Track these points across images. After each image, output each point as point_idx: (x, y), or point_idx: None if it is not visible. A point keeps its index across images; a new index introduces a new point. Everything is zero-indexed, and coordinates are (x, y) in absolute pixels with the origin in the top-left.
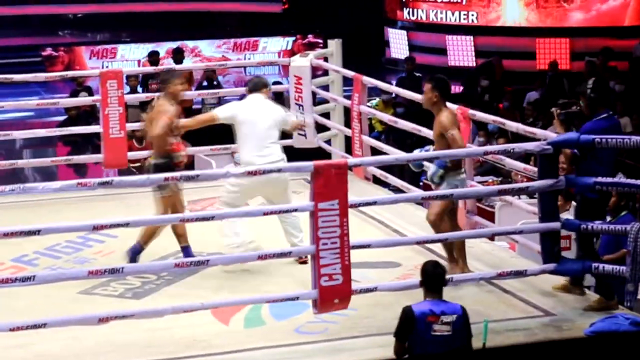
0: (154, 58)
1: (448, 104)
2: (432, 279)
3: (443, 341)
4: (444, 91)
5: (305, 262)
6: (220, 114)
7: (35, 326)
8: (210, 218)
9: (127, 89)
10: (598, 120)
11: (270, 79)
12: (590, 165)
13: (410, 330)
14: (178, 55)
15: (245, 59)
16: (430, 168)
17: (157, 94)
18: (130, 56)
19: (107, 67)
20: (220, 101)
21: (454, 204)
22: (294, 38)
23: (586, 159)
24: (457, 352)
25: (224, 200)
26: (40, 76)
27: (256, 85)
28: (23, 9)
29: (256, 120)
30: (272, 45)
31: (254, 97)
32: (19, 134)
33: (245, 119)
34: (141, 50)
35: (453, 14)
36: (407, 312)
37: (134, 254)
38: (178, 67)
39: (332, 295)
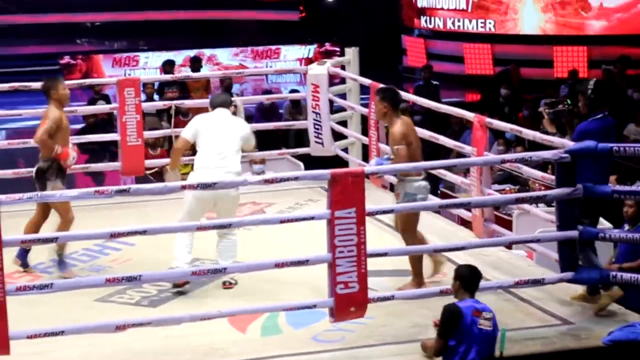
0: (169, 67)
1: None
2: (471, 280)
3: (486, 336)
4: (393, 101)
5: (229, 288)
6: (187, 134)
7: (53, 334)
8: (228, 226)
9: (143, 96)
10: (593, 120)
11: (290, 86)
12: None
13: (456, 326)
14: (195, 63)
15: (266, 66)
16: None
17: (174, 102)
18: (152, 64)
19: (128, 75)
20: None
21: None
22: (314, 46)
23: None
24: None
25: (186, 210)
26: None
27: (224, 102)
28: (41, 17)
29: (217, 129)
30: (293, 53)
31: (218, 111)
32: None
33: (205, 128)
34: (163, 58)
35: (470, 22)
36: (452, 307)
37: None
38: (195, 75)
39: (349, 303)
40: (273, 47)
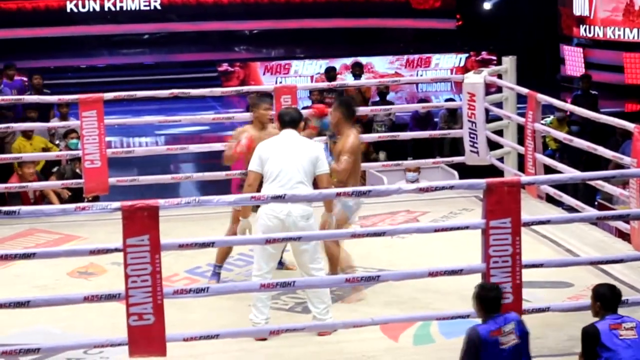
0: (331, 74)
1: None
2: (612, 300)
3: (635, 344)
4: (347, 111)
5: (323, 335)
6: (252, 165)
7: (208, 337)
8: (382, 234)
9: (309, 103)
10: None
11: (443, 95)
12: None
13: (596, 344)
14: (357, 69)
15: (417, 75)
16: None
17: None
18: (304, 72)
19: (280, 82)
20: (392, 117)
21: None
22: (467, 55)
23: None
24: None
25: (257, 260)
26: (216, 91)
27: (293, 120)
28: (201, 25)
29: (280, 157)
30: (445, 62)
31: (285, 133)
32: (195, 148)
33: (268, 157)
34: (314, 66)
35: (631, 31)
36: (587, 329)
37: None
38: (352, 82)
39: None
40: (424, 56)
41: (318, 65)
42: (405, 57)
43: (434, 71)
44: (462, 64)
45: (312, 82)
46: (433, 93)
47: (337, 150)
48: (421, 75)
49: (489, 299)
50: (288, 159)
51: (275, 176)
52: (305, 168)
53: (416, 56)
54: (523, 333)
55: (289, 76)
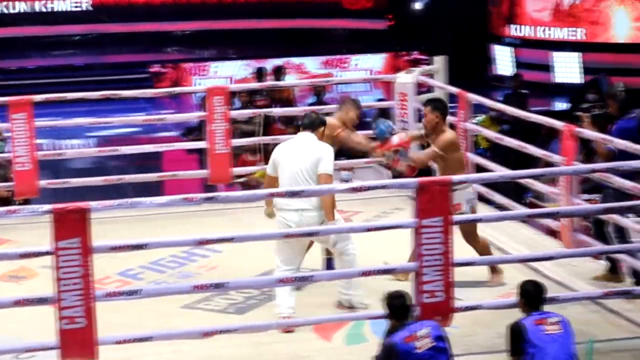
0: (260, 74)
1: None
2: (535, 297)
3: (559, 339)
4: (444, 112)
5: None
6: (268, 168)
7: (141, 339)
8: (315, 234)
9: (238, 104)
10: (629, 120)
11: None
12: None
13: (522, 340)
14: (278, 74)
15: (335, 76)
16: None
17: (262, 110)
18: (221, 73)
19: (199, 84)
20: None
21: None
22: (385, 55)
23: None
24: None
25: (278, 257)
26: (148, 92)
27: (311, 123)
28: (132, 26)
29: (291, 159)
30: (364, 62)
31: (300, 135)
32: (126, 149)
33: (280, 160)
34: (232, 67)
35: (560, 31)
36: (512, 326)
37: None
38: (282, 83)
39: (434, 312)
40: (343, 57)
41: (237, 67)
42: (334, 57)
43: (352, 72)
44: (381, 65)
45: (231, 83)
46: (352, 94)
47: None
48: (339, 76)
49: (395, 307)
50: (294, 163)
51: (283, 180)
52: (309, 171)
53: (333, 57)
54: (439, 337)
55: (208, 77)
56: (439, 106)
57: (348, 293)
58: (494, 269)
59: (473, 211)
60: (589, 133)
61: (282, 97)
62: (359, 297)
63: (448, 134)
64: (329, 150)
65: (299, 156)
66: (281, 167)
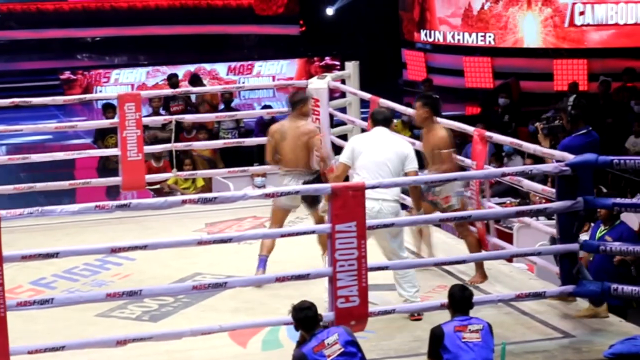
0: (173, 80)
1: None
2: (460, 301)
3: (477, 348)
4: (434, 108)
5: (418, 319)
6: (344, 157)
7: (54, 349)
8: (229, 240)
9: (150, 110)
10: (577, 136)
11: (263, 102)
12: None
13: (440, 345)
14: (194, 82)
15: (239, 82)
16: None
17: (177, 117)
18: (123, 80)
19: (100, 91)
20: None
21: None
22: (288, 62)
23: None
24: None
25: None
26: (58, 99)
27: (386, 119)
28: (42, 32)
29: (373, 152)
30: (267, 69)
31: (377, 130)
32: (37, 157)
33: (360, 150)
34: (135, 74)
35: (470, 36)
36: (433, 330)
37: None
38: (195, 89)
39: (349, 317)
40: (246, 63)
41: (139, 74)
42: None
43: (256, 78)
44: (283, 71)
45: (132, 90)
46: (255, 100)
47: (430, 145)
48: (243, 82)
49: (301, 319)
50: (379, 154)
51: (366, 170)
52: (395, 165)
53: (238, 63)
54: (349, 342)
55: (109, 85)
56: (429, 102)
57: (408, 291)
58: (480, 270)
59: (462, 203)
60: (497, 137)
61: (212, 103)
62: (415, 295)
63: (444, 131)
64: (412, 148)
65: (384, 149)
66: (362, 157)
